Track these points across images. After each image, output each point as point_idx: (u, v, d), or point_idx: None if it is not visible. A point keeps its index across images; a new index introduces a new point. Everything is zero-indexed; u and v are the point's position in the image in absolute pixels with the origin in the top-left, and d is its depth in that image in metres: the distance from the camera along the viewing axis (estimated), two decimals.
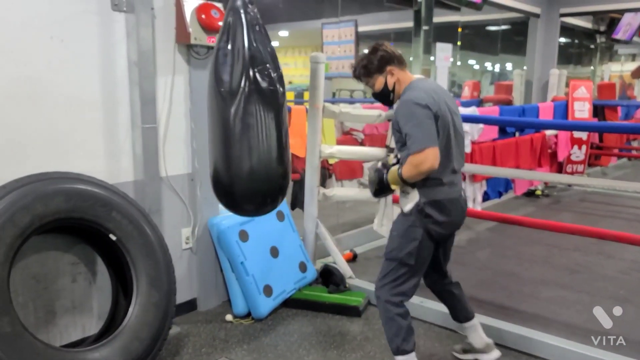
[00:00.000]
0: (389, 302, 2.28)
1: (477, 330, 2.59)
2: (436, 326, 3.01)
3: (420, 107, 2.13)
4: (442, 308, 3.02)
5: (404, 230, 2.26)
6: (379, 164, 2.36)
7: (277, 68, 2.29)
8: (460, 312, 2.59)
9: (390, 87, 2.30)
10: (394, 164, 2.30)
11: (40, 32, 2.39)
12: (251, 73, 2.17)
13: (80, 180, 2.36)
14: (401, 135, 2.20)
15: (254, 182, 2.20)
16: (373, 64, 2.30)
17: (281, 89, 2.25)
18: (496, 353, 2.60)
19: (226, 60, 2.17)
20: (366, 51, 2.37)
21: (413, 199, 2.23)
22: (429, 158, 2.08)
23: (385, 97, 2.35)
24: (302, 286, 3.37)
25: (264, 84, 2.19)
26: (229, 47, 2.17)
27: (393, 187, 2.27)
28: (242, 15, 2.19)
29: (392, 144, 3.83)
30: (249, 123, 2.17)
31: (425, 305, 3.04)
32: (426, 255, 2.30)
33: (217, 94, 2.16)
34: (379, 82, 2.31)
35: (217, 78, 2.17)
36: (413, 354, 2.32)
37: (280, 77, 2.25)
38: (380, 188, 2.31)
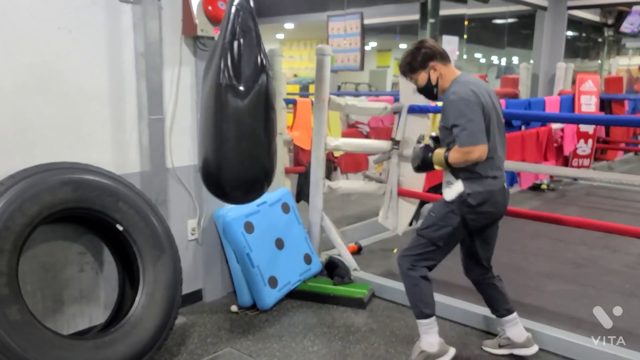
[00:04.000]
0: (410, 268, 2.44)
1: (517, 324, 2.61)
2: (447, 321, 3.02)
3: (471, 103, 2.25)
4: (453, 302, 3.01)
5: (442, 214, 2.40)
6: (430, 142, 2.46)
7: (268, 61, 2.41)
8: (501, 305, 2.62)
9: (433, 82, 2.42)
10: (437, 146, 2.44)
11: (48, 22, 2.39)
12: (260, 68, 2.25)
13: (87, 170, 2.38)
14: (448, 131, 2.32)
15: (244, 171, 2.33)
16: (416, 60, 2.40)
17: (272, 82, 2.37)
18: (535, 347, 2.61)
19: (236, 54, 2.20)
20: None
21: (457, 189, 2.35)
22: (478, 151, 2.23)
23: (429, 91, 2.46)
24: (307, 278, 3.38)
25: (268, 79, 2.26)
26: (236, 42, 2.20)
27: (436, 167, 2.42)
28: (246, 9, 2.21)
29: (398, 137, 3.84)
30: (254, 117, 2.27)
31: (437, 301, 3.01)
32: (456, 241, 2.48)
33: (227, 88, 2.19)
34: (422, 77, 2.43)
35: (234, 72, 2.20)
36: (434, 319, 2.48)
37: (269, 67, 2.39)
38: (424, 165, 2.46)
